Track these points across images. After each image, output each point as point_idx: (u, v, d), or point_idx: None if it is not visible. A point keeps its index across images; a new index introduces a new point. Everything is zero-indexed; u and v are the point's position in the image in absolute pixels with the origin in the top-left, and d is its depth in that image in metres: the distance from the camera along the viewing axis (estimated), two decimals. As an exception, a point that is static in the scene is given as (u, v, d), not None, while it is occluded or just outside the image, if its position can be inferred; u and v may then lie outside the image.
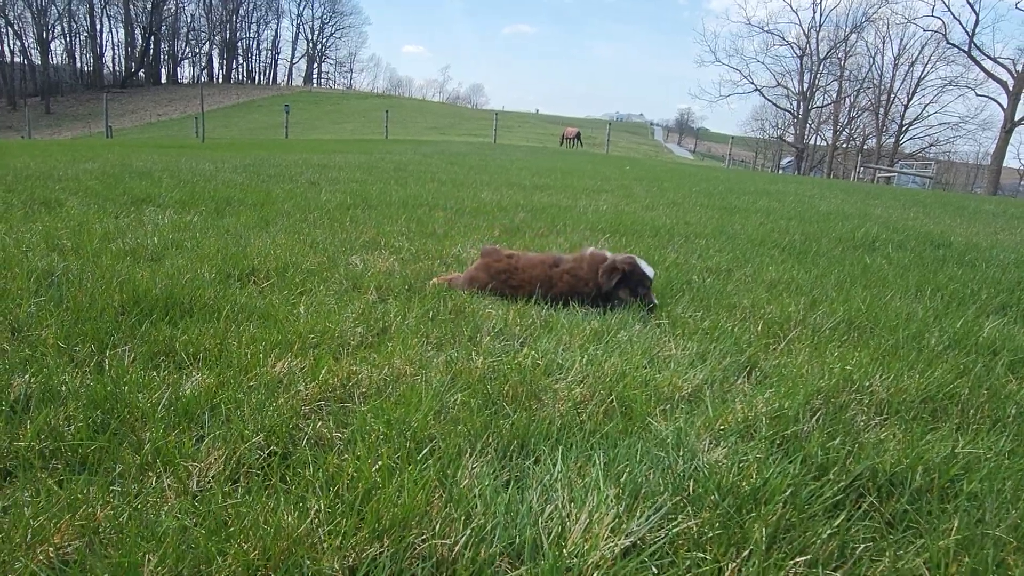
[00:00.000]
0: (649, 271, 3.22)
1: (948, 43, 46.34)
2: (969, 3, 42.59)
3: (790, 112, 58.17)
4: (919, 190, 26.18)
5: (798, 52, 55.36)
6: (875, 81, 54.68)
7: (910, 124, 53.75)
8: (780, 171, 56.50)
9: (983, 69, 43.84)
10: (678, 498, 1.52)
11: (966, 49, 44.03)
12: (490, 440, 1.74)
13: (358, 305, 2.90)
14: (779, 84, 56.75)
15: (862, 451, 1.77)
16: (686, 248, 4.94)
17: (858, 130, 57.61)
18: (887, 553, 1.39)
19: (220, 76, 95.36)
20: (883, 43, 58.32)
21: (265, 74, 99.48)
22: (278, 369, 2.12)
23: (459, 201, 7.08)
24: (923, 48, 51.07)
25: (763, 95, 57.13)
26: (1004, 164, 44.14)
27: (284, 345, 2.33)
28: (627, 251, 4.10)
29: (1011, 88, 41.30)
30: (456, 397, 1.98)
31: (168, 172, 8.45)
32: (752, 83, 56.71)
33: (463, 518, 1.38)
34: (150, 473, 1.53)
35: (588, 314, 3.01)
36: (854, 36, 53.64)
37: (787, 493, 1.51)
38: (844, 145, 57.45)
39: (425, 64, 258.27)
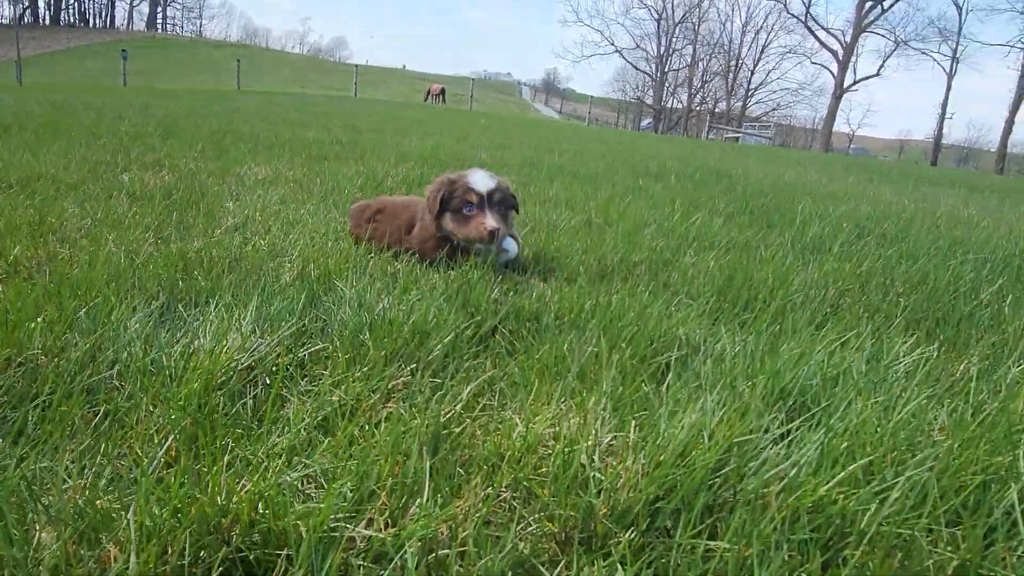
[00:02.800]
0: (483, 183, 2.36)
1: (788, 13, 50.19)
2: (806, -26, 46.21)
3: (648, 75, 60.58)
4: (756, 146, 28.30)
5: (655, 15, 57.55)
6: (725, 47, 58.18)
7: (756, 89, 57.92)
8: (640, 131, 58.95)
9: (817, 39, 48.00)
10: (323, 331, 1.67)
11: (803, 19, 47.88)
12: (161, 297, 1.80)
13: (97, 205, 2.82)
14: (638, 46, 58.87)
15: (516, 298, 2.00)
16: (486, 175, 5.13)
17: (710, 93, 61.23)
18: (488, 363, 1.61)
19: (48, 18, 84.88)
20: (732, 10, 62.03)
21: (101, 17, 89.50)
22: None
23: (278, 136, 6.90)
24: (767, 17, 54.97)
25: (623, 56, 59.14)
26: (835, 128, 48.99)
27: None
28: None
29: (840, 57, 45.58)
30: (148, 269, 2.01)
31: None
32: (612, 44, 58.46)
33: (87, 345, 1.44)
34: None
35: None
36: (706, 2, 56.50)
37: (411, 320, 1.70)
38: (698, 108, 60.80)
39: (284, 14, 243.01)
